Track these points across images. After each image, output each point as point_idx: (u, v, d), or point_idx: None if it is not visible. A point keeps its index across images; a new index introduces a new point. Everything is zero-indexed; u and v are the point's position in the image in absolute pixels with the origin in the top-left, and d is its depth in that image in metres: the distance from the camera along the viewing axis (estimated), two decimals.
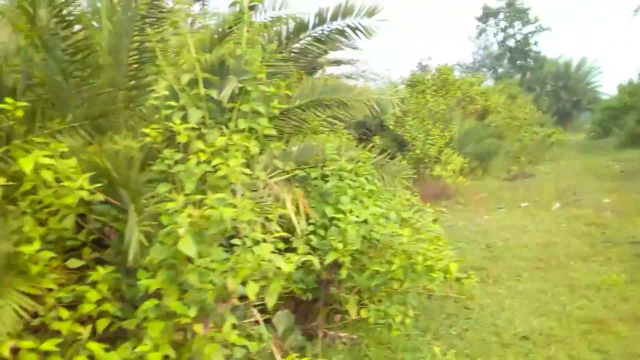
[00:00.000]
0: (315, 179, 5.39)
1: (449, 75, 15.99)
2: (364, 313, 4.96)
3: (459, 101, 15.65)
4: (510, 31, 38.41)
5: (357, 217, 4.58)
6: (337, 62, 18.83)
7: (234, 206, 3.31)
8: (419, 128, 13.37)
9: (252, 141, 3.90)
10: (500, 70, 40.24)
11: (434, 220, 5.18)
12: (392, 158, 6.71)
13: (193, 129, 3.80)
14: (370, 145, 13.70)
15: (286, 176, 5.37)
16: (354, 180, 5.43)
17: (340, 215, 4.62)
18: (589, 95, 42.20)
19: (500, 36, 39.27)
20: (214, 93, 3.89)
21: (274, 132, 4.11)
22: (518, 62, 39.23)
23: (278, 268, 3.19)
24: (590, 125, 31.55)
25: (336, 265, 4.71)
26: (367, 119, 15.98)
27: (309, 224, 5.07)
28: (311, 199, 5.36)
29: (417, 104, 14.19)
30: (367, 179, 5.56)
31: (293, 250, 4.98)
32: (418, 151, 13.13)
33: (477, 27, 41.15)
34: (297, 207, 5.15)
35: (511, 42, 38.63)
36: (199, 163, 3.51)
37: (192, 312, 3.24)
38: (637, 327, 5.46)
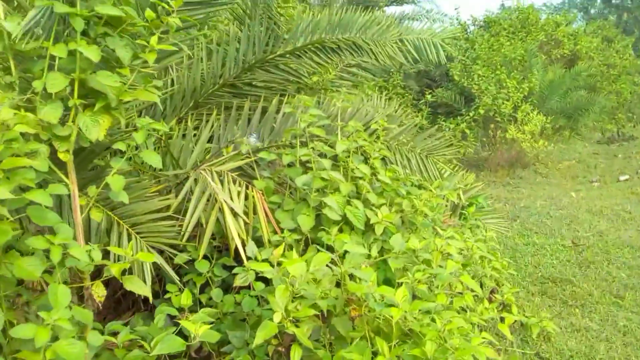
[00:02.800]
0: (290, 165, 3.38)
1: (530, 14, 13.10)
2: None
3: (542, 45, 12.79)
4: None
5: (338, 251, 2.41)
6: (399, 1, 16.31)
7: None
8: (489, 78, 10.81)
9: (100, 116, 1.89)
10: (592, 11, 35.81)
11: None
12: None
13: None
14: (421, 102, 11.46)
15: (241, 162, 3.40)
16: (357, 168, 3.37)
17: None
18: None
19: None
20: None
21: (154, 97, 2.05)
22: (614, 0, 34.58)
23: None
24: None
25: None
26: (429, 68, 13.58)
27: (274, 242, 3.11)
28: (287, 199, 3.35)
29: (489, 48, 11.58)
30: (376, 165, 3.47)
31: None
32: (482, 111, 10.60)
33: None
34: (256, 212, 3.20)
35: None
36: None
37: None
38: None
